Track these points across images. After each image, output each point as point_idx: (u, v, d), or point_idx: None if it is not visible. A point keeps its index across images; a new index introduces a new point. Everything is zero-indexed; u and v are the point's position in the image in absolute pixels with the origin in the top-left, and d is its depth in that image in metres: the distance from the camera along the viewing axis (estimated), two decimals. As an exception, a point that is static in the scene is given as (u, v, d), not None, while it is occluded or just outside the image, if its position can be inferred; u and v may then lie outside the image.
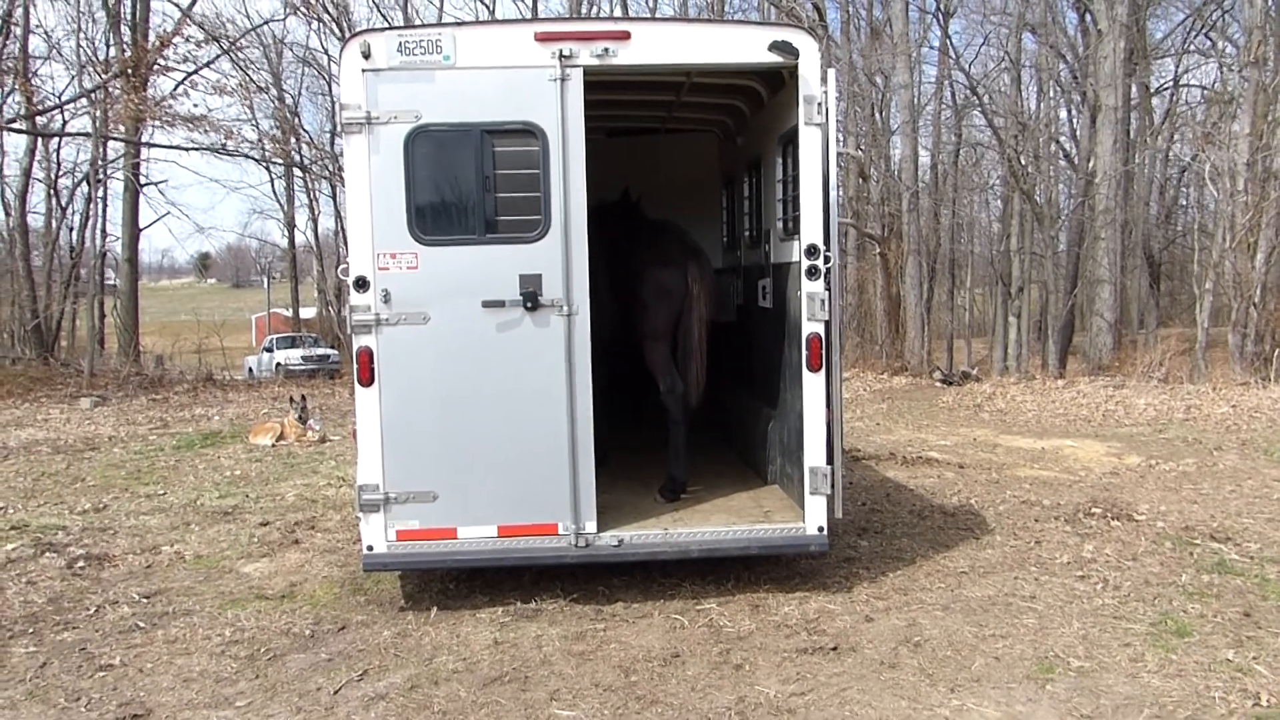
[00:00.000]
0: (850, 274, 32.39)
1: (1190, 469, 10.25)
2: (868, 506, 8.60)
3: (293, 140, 31.79)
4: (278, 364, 34.32)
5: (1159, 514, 8.05)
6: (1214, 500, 8.69)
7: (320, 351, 35.33)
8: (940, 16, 34.45)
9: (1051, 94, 35.61)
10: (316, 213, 44.78)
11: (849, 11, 34.01)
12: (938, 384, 20.65)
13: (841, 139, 30.30)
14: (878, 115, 33.43)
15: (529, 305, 5.86)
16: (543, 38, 5.81)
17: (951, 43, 35.70)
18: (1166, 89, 37.64)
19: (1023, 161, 31.13)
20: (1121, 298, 29.93)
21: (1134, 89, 32.80)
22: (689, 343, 7.11)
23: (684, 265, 7.10)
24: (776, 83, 6.81)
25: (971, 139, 37.20)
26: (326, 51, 37.01)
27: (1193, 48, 35.79)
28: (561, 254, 5.87)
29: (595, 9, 34.18)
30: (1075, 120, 36.88)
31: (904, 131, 29.67)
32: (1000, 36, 34.87)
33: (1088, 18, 30.24)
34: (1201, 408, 14.61)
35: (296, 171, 38.60)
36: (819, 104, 5.89)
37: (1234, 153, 22.82)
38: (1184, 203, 42.98)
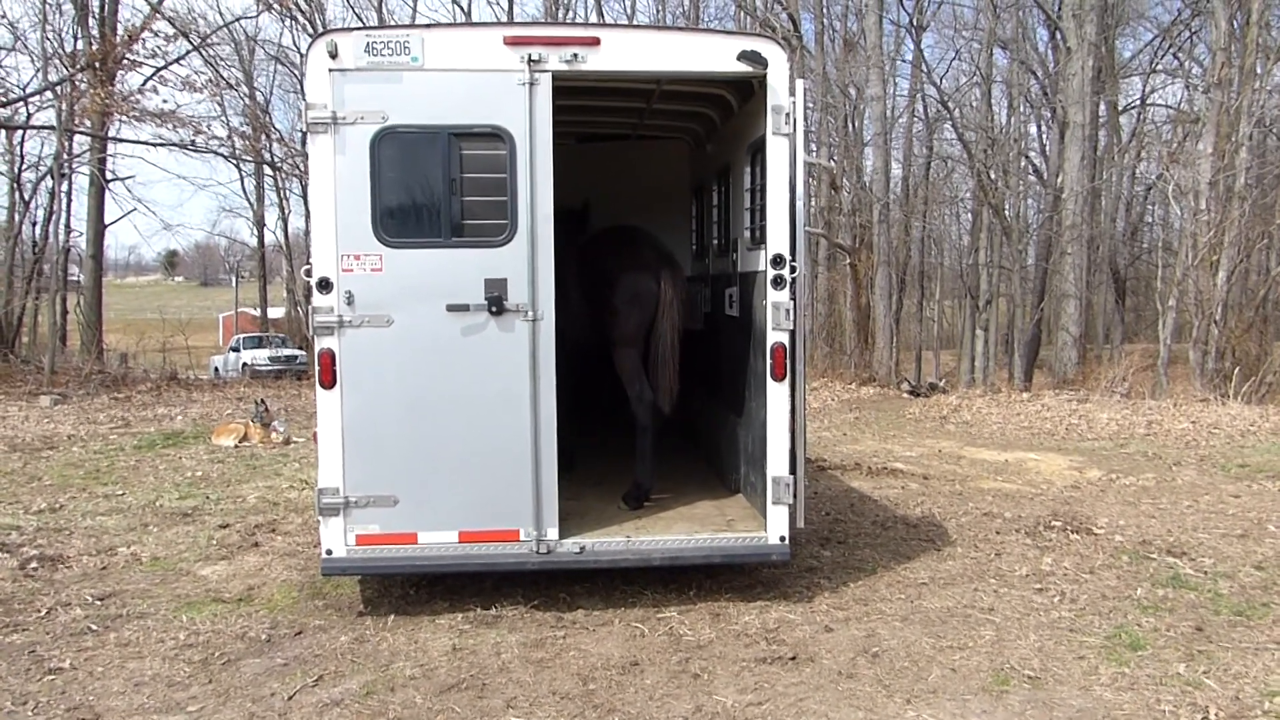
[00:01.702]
0: (820, 284, 32.57)
1: (1149, 484, 10.38)
2: (831, 516, 8.63)
3: (263, 138, 31.51)
4: (244, 364, 33.98)
5: (1117, 528, 8.14)
6: (1171, 515, 8.80)
7: (287, 352, 35.00)
8: (913, 30, 34.86)
9: (1021, 109, 36.08)
10: (286, 212, 44.52)
11: (823, 23, 34.25)
12: (905, 395, 20.82)
13: (814, 149, 30.50)
14: (850, 126, 33.68)
15: (494, 309, 5.84)
16: (512, 41, 5.79)
17: (924, 56, 36.12)
18: (1134, 107, 38.26)
19: (992, 176, 31.48)
20: (1087, 313, 30.32)
21: (1102, 106, 33.28)
22: (661, 350, 7.06)
23: (656, 272, 7.09)
24: (746, 92, 6.83)
25: (942, 152, 37.61)
26: (299, 49, 36.72)
27: (1160, 67, 36.47)
28: (527, 258, 5.85)
29: (570, 14, 34.22)
30: (1045, 136, 37.39)
31: (876, 143, 29.91)
32: (972, 51, 35.38)
33: (1058, 35, 30.64)
34: (1162, 423, 14.80)
35: (266, 169, 38.29)
36: (787, 114, 5.91)
37: (1198, 172, 23.19)
38: (1149, 220, 43.60)
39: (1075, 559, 7.19)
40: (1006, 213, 31.92)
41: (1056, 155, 30.02)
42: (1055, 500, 9.48)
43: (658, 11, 36.65)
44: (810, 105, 29.93)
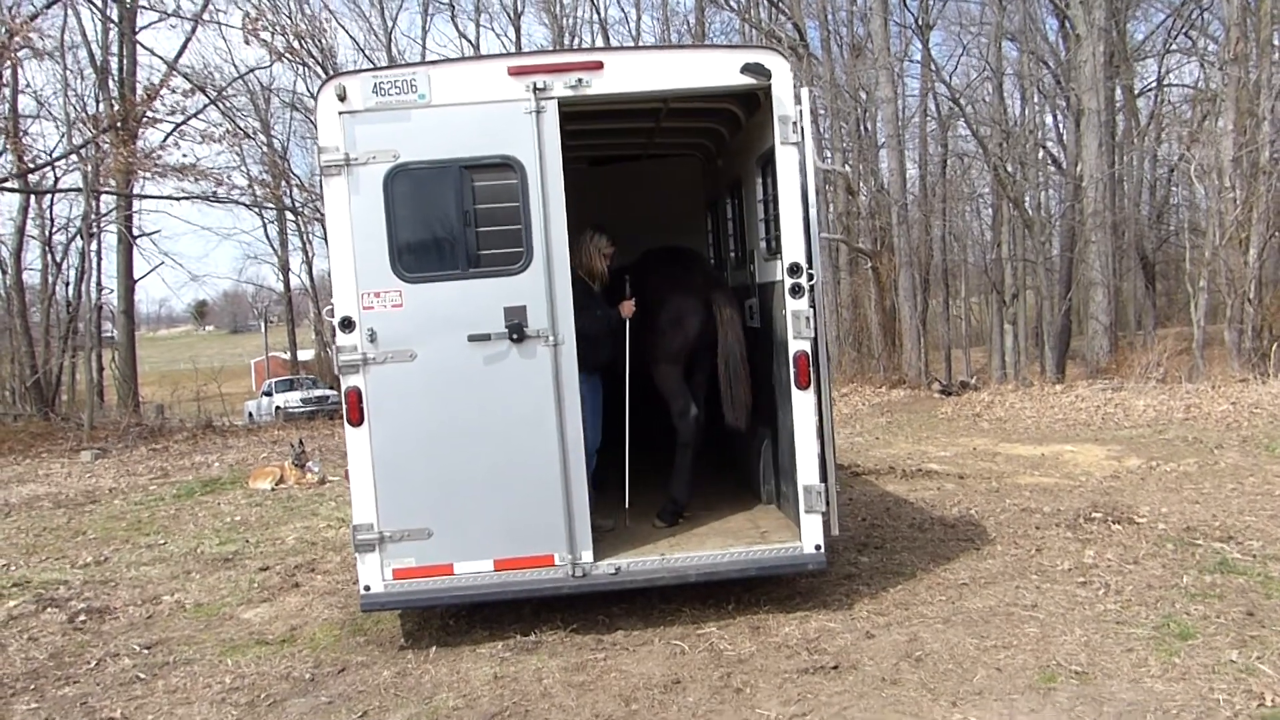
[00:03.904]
0: (844, 289, 32.46)
1: (1191, 469, 10.23)
2: (867, 522, 8.57)
3: (283, 184, 31.98)
4: (277, 407, 34.34)
5: (1160, 516, 8.02)
6: (1215, 499, 8.66)
7: (319, 393, 35.33)
8: (920, 30, 34.76)
9: (1035, 100, 35.85)
10: (310, 255, 45.01)
11: (829, 29, 34.27)
12: (936, 395, 20.64)
13: (828, 155, 30.49)
14: (863, 130, 33.63)
15: (515, 337, 5.88)
16: (516, 71, 5.86)
17: (932, 55, 36.02)
18: (1150, 90, 37.86)
19: (1010, 169, 31.29)
20: (1117, 300, 30.02)
21: (1117, 91, 32.99)
22: (732, 365, 6.94)
23: (706, 293, 7.07)
24: (752, 104, 6.85)
25: (958, 149, 37.42)
26: (313, 95, 37.22)
27: (1174, 47, 36.05)
28: (545, 285, 5.89)
29: (577, 42, 34.49)
30: (1060, 125, 37.10)
31: (890, 145, 29.83)
32: (980, 46, 35.25)
33: (1067, 23, 30.46)
34: (1201, 406, 14.59)
35: (288, 215, 38.78)
36: (794, 123, 5.92)
37: (1220, 150, 22.91)
38: (1175, 202, 43.02)
39: (1118, 550, 7.08)
40: (1027, 205, 31.71)
41: (1074, 144, 29.80)
42: (1095, 491, 9.36)
43: (663, 33, 36.88)
44: (821, 111, 29.92)
